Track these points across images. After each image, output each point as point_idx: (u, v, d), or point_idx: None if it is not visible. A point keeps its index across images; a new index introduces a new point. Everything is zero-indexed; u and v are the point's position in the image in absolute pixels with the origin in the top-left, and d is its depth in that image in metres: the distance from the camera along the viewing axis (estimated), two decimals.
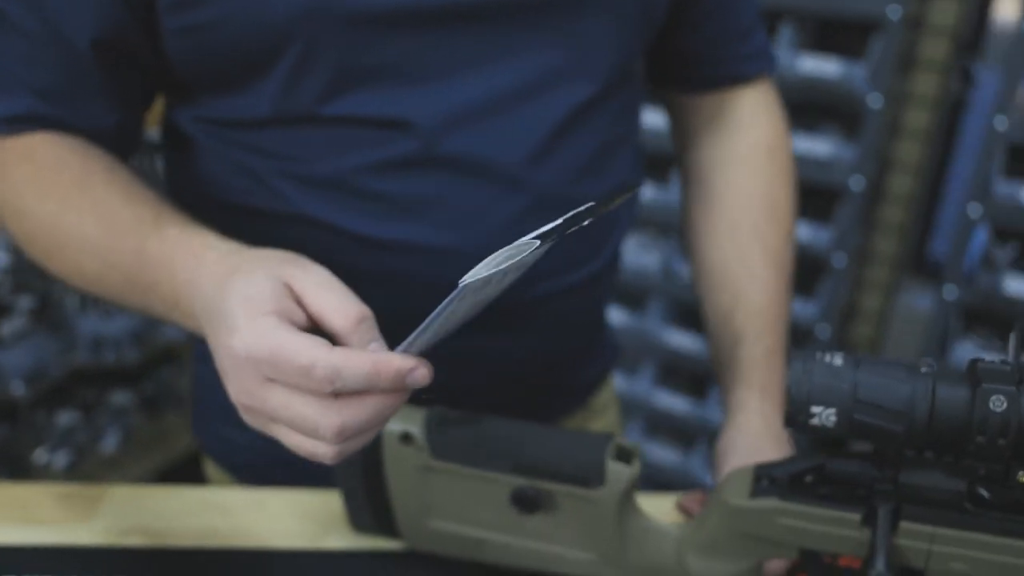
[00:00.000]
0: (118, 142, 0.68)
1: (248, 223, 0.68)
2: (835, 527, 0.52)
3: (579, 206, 0.69)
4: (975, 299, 1.61)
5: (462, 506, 0.62)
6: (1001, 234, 1.59)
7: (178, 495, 0.75)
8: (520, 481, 0.59)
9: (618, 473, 0.57)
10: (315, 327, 0.48)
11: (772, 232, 0.76)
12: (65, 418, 1.82)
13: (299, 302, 0.48)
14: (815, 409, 0.49)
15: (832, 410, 0.49)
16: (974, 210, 1.56)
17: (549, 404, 0.80)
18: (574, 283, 0.71)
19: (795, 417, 0.49)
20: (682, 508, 0.70)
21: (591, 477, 0.57)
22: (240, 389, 0.47)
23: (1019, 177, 1.56)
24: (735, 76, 0.77)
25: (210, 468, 0.86)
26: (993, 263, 1.55)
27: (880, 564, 0.50)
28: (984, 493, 0.50)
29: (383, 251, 0.66)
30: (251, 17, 0.59)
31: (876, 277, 2.12)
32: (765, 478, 0.55)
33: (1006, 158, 1.56)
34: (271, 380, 0.46)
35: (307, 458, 0.48)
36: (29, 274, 1.67)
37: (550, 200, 0.67)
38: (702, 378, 2.01)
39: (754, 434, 0.69)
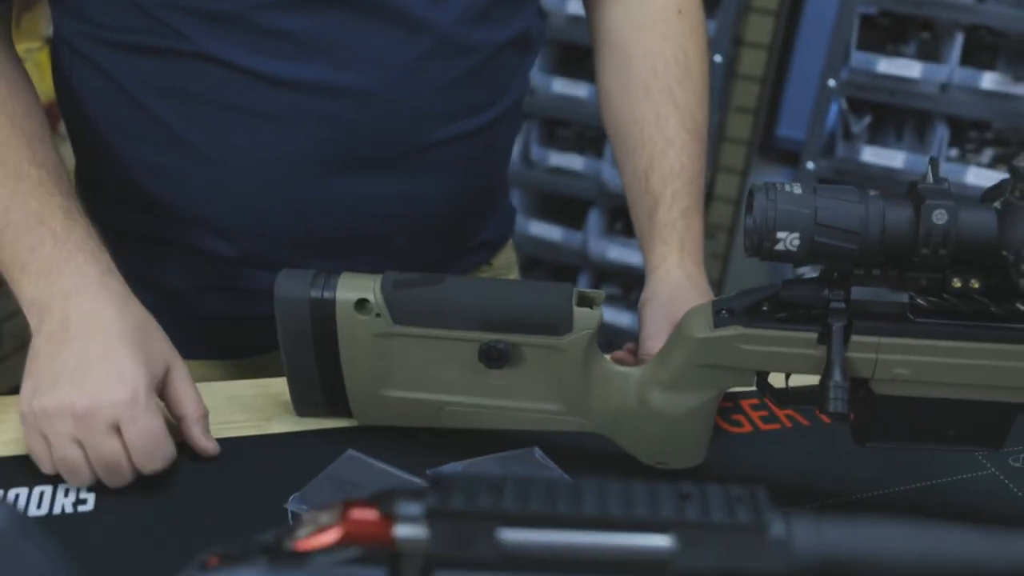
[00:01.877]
0: None
1: (142, 62, 0.71)
2: (794, 347, 0.62)
3: (479, 52, 0.76)
4: (834, 170, 1.79)
5: (421, 371, 0.67)
6: (856, 106, 1.77)
7: None
8: (489, 336, 0.64)
9: (585, 318, 0.64)
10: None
11: (685, 94, 0.83)
12: None
13: (167, 383, 0.67)
14: (780, 235, 0.57)
15: (796, 234, 0.57)
16: (831, 83, 1.72)
17: (455, 258, 0.88)
18: (471, 128, 0.79)
19: (760, 244, 0.57)
20: (617, 361, 0.79)
21: (559, 325, 0.64)
22: (87, 408, 0.61)
23: (869, 49, 1.74)
24: None
25: None
26: (850, 134, 1.73)
27: (837, 374, 0.60)
28: (923, 303, 0.60)
29: (285, 90, 0.71)
30: None
31: (731, 160, 2.28)
32: (724, 310, 0.63)
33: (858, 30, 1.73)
34: (117, 432, 0.62)
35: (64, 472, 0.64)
36: None
37: (452, 44, 0.74)
38: None
39: (675, 284, 0.78)
